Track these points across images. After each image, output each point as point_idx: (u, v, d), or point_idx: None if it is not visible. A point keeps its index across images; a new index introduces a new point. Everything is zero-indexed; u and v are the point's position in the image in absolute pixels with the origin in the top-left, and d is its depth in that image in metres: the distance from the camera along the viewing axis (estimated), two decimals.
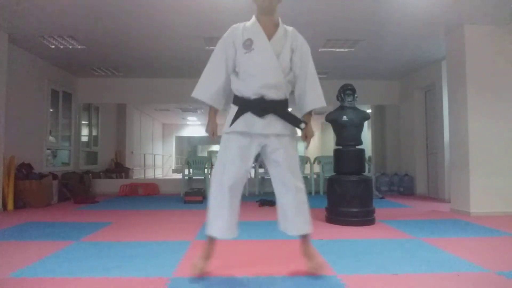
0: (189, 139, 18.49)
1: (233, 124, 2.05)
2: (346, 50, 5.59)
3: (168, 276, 2.13)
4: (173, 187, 7.24)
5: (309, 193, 6.78)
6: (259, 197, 5.74)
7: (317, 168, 7.34)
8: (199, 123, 15.71)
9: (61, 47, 5.41)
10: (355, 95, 4.04)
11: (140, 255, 2.58)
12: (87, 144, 8.14)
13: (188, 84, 7.21)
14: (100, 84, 7.44)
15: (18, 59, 5.38)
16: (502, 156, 4.47)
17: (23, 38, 5.03)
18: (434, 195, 6.44)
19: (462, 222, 3.94)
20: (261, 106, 2.03)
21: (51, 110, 6.36)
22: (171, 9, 4.16)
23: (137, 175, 11.03)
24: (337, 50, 5.60)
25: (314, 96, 2.14)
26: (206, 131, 2.18)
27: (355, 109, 4.02)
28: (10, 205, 4.79)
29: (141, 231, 3.47)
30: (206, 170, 6.76)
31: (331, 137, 10.06)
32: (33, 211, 4.76)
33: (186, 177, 6.87)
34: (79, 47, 5.43)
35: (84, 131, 8.06)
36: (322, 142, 14.37)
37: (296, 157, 2.14)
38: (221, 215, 2.07)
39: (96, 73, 7.00)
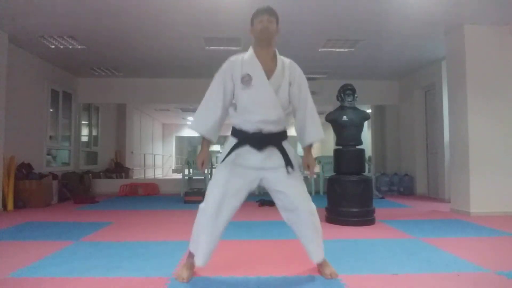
0: (189, 139, 18.49)
1: (229, 156, 2.05)
2: (346, 50, 5.59)
3: (168, 276, 2.13)
4: (173, 187, 7.24)
5: (309, 193, 6.82)
6: (259, 197, 5.74)
7: (317, 168, 7.34)
8: None
9: (61, 47, 5.41)
10: (355, 95, 4.04)
11: (140, 255, 2.58)
12: (87, 144, 8.14)
13: (188, 84, 7.29)
14: (100, 84, 7.44)
15: (18, 59, 5.37)
16: (502, 156, 4.47)
17: (23, 38, 5.03)
18: (434, 195, 6.44)
19: (462, 222, 3.94)
20: (259, 139, 2.03)
21: (51, 110, 6.36)
22: (171, 9, 4.15)
23: (137, 175, 11.02)
24: (337, 50, 5.60)
25: (313, 129, 2.15)
26: (196, 161, 2.17)
27: (355, 109, 4.02)
28: (10, 205, 4.79)
29: (141, 231, 3.47)
30: (206, 170, 6.77)
31: (331, 137, 10.05)
32: (33, 211, 4.76)
33: (186, 177, 6.87)
34: (79, 47, 5.43)
35: (84, 131, 8.06)
36: (322, 142, 14.37)
37: (301, 180, 2.13)
38: (206, 241, 2.05)
39: (96, 73, 7.01)
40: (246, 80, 2.01)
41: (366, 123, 4.23)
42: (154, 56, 5.93)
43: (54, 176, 5.67)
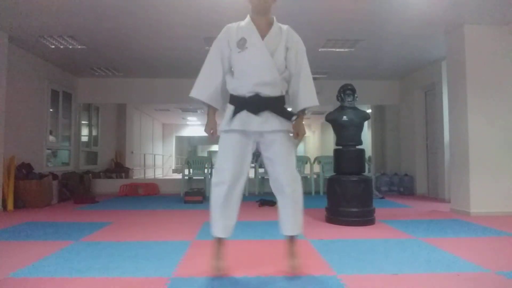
0: (189, 139, 18.50)
1: (230, 123, 2.06)
2: (346, 50, 5.59)
3: (168, 276, 2.13)
4: (173, 187, 7.23)
5: (309, 193, 6.88)
6: (259, 197, 5.74)
7: (317, 168, 7.34)
8: (199, 123, 15.71)
9: (61, 47, 5.41)
10: (355, 95, 4.04)
11: (140, 255, 2.58)
12: (87, 144, 8.14)
13: (188, 84, 7.22)
14: (100, 84, 7.43)
15: (18, 59, 5.37)
16: (502, 156, 4.47)
17: (23, 38, 5.03)
18: (434, 195, 6.44)
19: (462, 222, 3.94)
20: (256, 103, 2.04)
21: (51, 110, 6.36)
22: (171, 9, 4.15)
23: (137, 175, 11.02)
24: (337, 50, 5.59)
25: (307, 95, 2.14)
26: (205, 130, 2.18)
27: (355, 109, 4.02)
28: (10, 205, 4.79)
29: (141, 231, 3.47)
30: (206, 170, 6.76)
31: (331, 137, 10.05)
32: (33, 211, 4.76)
33: (186, 177, 6.87)
34: (79, 47, 5.43)
35: (84, 131, 8.06)
36: (322, 142, 14.37)
37: (291, 154, 2.12)
38: (223, 214, 2.08)
39: (96, 73, 7.00)
40: (241, 43, 2.04)
41: (366, 123, 4.23)
42: (154, 56, 5.93)
43: (54, 176, 5.66)
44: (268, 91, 2.04)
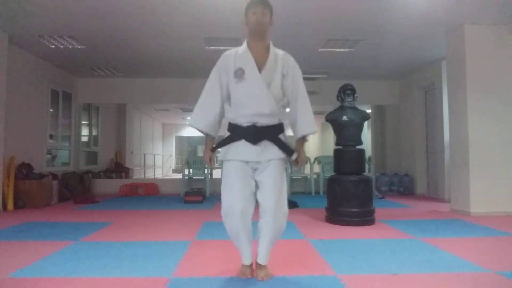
0: (189, 139, 18.50)
1: (230, 153, 2.06)
2: (346, 50, 5.59)
3: (168, 276, 2.13)
4: (173, 187, 7.23)
5: (309, 193, 6.88)
6: None
7: (317, 168, 7.34)
8: None
9: (61, 47, 5.41)
10: (355, 95, 4.04)
11: (140, 255, 2.58)
12: (87, 144, 8.14)
13: (188, 84, 7.28)
14: (100, 84, 7.44)
15: (18, 59, 5.37)
16: (502, 156, 4.47)
17: (23, 38, 5.02)
18: (434, 195, 6.44)
19: (462, 222, 3.94)
20: (254, 134, 2.02)
21: (51, 110, 6.36)
22: (171, 9, 4.15)
23: (137, 175, 11.03)
24: (337, 50, 5.59)
25: (305, 122, 2.12)
26: (204, 157, 2.17)
27: (355, 109, 4.02)
28: (10, 205, 4.79)
29: (141, 231, 3.47)
30: (206, 170, 6.76)
31: (331, 137, 10.05)
32: (33, 211, 4.76)
33: (186, 177, 6.87)
34: (79, 47, 5.43)
35: (84, 131, 8.06)
36: (322, 142, 14.37)
37: (281, 180, 2.07)
38: (242, 242, 2.06)
39: (96, 73, 7.00)
40: (239, 73, 2.02)
41: (366, 123, 4.23)
42: (154, 56, 5.93)
43: (54, 176, 5.66)
44: (265, 121, 2.04)
